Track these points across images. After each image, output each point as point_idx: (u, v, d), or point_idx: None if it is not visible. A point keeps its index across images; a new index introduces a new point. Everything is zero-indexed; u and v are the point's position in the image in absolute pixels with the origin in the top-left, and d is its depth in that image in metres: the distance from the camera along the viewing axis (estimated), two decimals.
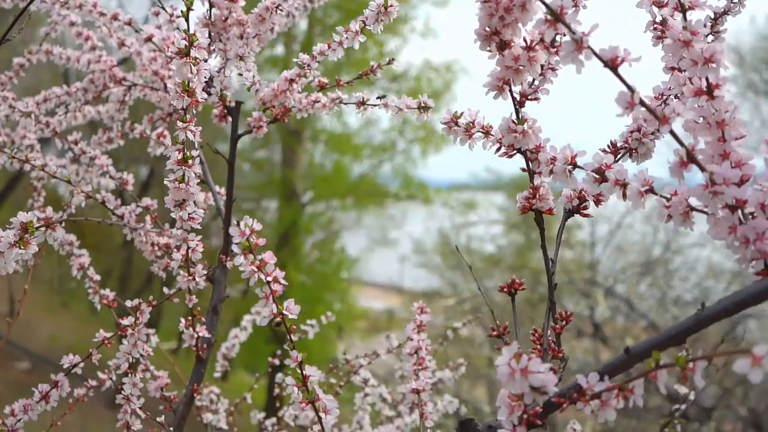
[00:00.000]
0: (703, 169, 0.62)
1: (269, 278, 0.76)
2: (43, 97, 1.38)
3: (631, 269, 7.59)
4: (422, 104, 1.05)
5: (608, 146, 0.84)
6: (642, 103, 0.61)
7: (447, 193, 11.17)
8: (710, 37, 0.86)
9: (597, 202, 0.82)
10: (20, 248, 0.82)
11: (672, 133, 0.62)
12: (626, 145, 0.83)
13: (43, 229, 0.81)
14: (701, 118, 0.67)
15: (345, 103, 1.16)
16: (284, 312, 0.77)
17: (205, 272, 1.08)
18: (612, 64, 0.61)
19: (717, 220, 0.63)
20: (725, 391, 5.97)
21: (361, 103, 1.13)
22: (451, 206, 11.04)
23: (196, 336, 1.14)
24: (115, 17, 1.27)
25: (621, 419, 6.39)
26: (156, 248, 1.23)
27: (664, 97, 0.84)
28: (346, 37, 1.06)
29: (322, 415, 0.79)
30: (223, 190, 1.32)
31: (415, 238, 11.01)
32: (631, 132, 0.83)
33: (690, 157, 0.63)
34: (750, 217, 0.64)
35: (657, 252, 7.66)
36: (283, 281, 0.77)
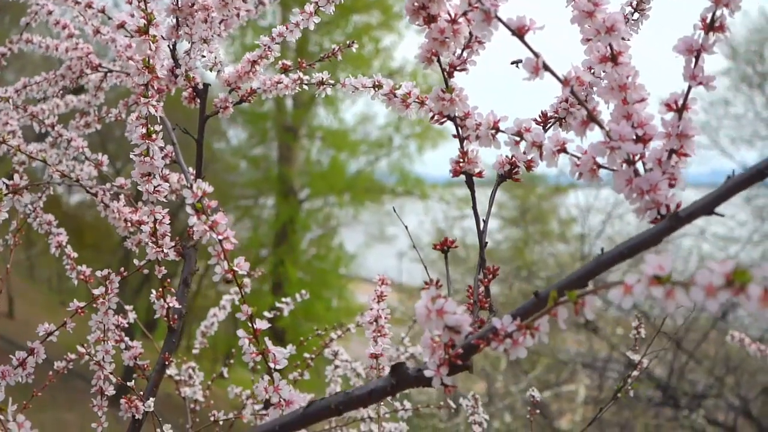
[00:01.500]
0: (602, 127, 0.68)
1: (221, 237, 0.82)
2: (22, 83, 1.44)
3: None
4: (376, 83, 1.11)
5: (539, 115, 0.90)
6: (546, 67, 0.67)
7: (443, 189, 11.22)
8: (636, 15, 0.92)
9: (528, 168, 0.88)
10: None
11: (574, 95, 0.68)
12: (556, 115, 0.89)
13: (10, 195, 0.87)
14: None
15: (306, 84, 1.22)
16: (235, 268, 0.83)
17: (173, 244, 1.14)
18: (519, 33, 0.67)
19: (617, 174, 0.69)
20: (716, 379, 6.03)
21: (321, 83, 1.19)
22: (447, 202, 11.10)
23: (166, 306, 1.20)
24: (89, 5, 1.32)
25: (612, 408, 6.44)
26: (129, 225, 1.29)
27: (592, 69, 0.90)
28: (302, 19, 1.13)
29: (271, 365, 0.85)
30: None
31: (411, 234, 11.04)
32: (561, 102, 0.89)
33: (591, 117, 0.69)
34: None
35: None
36: (233, 240, 0.82)
